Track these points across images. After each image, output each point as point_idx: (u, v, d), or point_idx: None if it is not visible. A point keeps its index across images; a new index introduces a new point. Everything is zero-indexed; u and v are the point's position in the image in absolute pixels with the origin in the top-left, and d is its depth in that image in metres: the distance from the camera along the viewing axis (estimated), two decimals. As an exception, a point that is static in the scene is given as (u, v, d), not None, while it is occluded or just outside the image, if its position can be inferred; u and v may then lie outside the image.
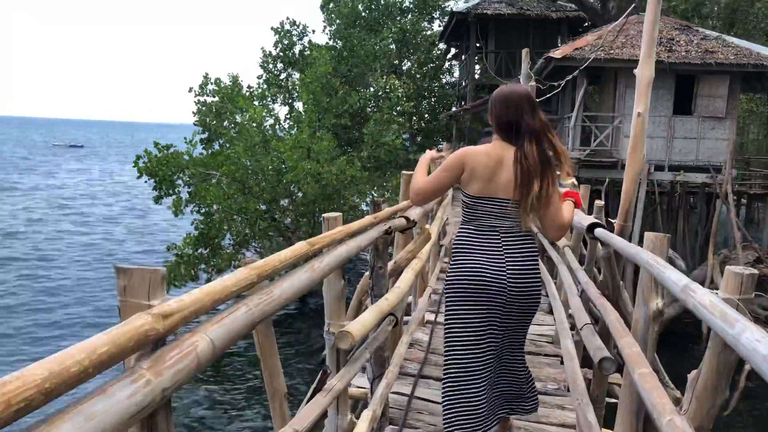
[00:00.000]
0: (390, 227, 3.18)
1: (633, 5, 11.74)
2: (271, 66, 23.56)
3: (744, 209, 22.92)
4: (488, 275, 2.62)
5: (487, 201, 2.65)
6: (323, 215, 2.62)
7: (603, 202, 4.20)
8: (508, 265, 2.64)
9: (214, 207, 15.29)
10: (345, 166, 15.12)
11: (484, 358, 2.67)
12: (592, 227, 3.48)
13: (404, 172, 4.19)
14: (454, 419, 2.66)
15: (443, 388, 2.72)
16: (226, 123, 18.16)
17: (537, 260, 2.75)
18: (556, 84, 11.77)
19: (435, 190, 2.74)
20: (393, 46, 22.49)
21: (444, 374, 2.74)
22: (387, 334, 3.20)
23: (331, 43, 21.78)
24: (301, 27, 22.38)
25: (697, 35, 15.52)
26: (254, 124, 16.94)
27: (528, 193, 2.57)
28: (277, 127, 17.89)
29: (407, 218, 3.58)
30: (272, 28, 22.78)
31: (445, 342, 2.74)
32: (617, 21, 16.12)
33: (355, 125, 19.51)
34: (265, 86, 21.77)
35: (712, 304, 1.53)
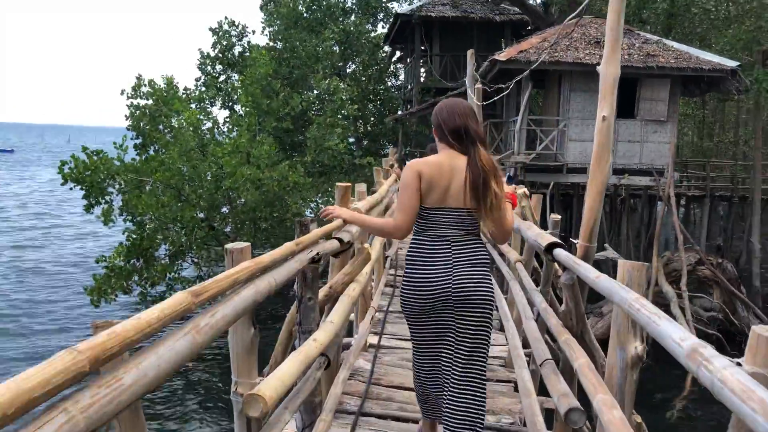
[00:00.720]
0: (317, 254, 2.67)
1: (583, 6, 11.67)
2: (209, 68, 22.68)
3: (682, 211, 23.45)
4: (434, 285, 2.64)
5: (442, 211, 2.66)
6: (226, 246, 2.10)
7: (559, 216, 3.80)
8: (454, 273, 2.64)
9: (147, 216, 14.42)
10: (287, 172, 14.50)
11: (438, 362, 2.76)
12: (551, 247, 3.05)
13: (339, 184, 3.69)
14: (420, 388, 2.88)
15: (414, 371, 2.91)
16: (161, 127, 17.25)
17: (487, 267, 2.74)
18: (503, 86, 11.50)
19: (410, 213, 2.68)
20: (336, 48, 21.96)
21: (413, 365, 2.90)
22: (316, 381, 2.68)
23: (271, 44, 21.06)
24: (240, 27, 21.61)
25: (638, 39, 15.60)
26: (190, 128, 16.14)
27: (485, 198, 2.59)
28: (216, 131, 17.11)
29: (340, 240, 3.08)
30: (210, 29, 21.91)
31: (412, 343, 2.87)
32: (562, 24, 16.08)
33: (298, 129, 18.87)
34: (204, 89, 20.90)
35: (745, 390, 1.08)
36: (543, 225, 4.80)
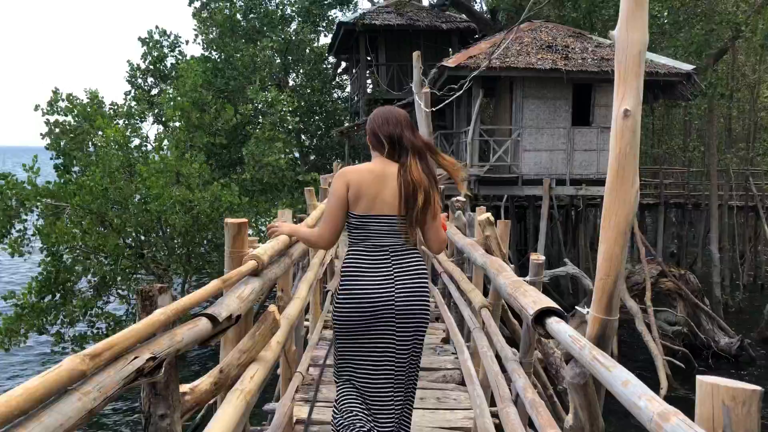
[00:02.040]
0: (154, 359, 1.51)
1: (528, 8, 10.83)
2: (140, 80, 21.14)
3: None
4: (376, 297, 2.57)
5: (374, 219, 2.61)
6: None
7: (543, 257, 2.74)
8: (396, 284, 2.59)
9: (65, 246, 12.85)
10: (219, 192, 13.16)
11: (384, 382, 2.61)
12: (542, 316, 1.97)
13: (228, 220, 2.56)
14: None
15: (337, 413, 2.69)
16: (87, 146, 15.71)
17: (426, 278, 2.71)
18: (453, 90, 10.53)
19: (333, 224, 2.64)
20: (276, 58, 20.75)
21: (336, 404, 2.71)
22: None
23: (206, 54, 19.68)
24: (172, 37, 20.15)
25: (591, 42, 14.96)
26: (115, 146, 14.67)
27: (413, 206, 2.57)
28: (144, 148, 15.63)
29: (212, 317, 1.92)
30: (139, 39, 20.38)
31: (337, 375, 2.73)
32: (511, 26, 15.30)
33: (235, 145, 17.55)
34: (134, 103, 19.32)
35: None
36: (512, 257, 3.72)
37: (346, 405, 2.64)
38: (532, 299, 2.08)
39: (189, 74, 14.97)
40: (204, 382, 2.35)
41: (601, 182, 14.77)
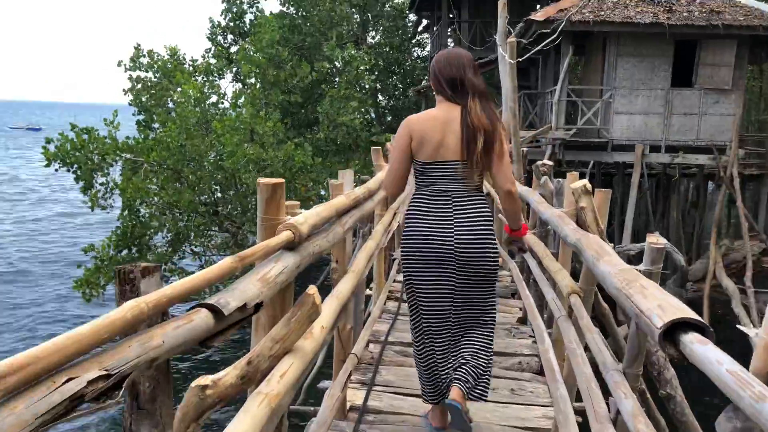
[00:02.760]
0: (108, 377, 1.04)
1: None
2: (220, 38, 21.08)
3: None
4: (436, 241, 2.61)
5: (438, 165, 2.61)
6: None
7: (664, 240, 2.10)
8: (456, 229, 2.61)
9: (141, 201, 12.99)
10: (293, 152, 12.85)
11: (442, 322, 2.70)
12: (674, 329, 1.37)
13: (261, 180, 2.07)
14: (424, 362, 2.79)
15: (414, 345, 2.87)
16: (168, 102, 15.82)
17: (490, 223, 2.69)
18: (540, 45, 9.66)
19: (397, 175, 2.69)
20: (356, 15, 20.12)
21: (413, 337, 2.87)
22: None
23: (284, 9, 19.28)
24: (251, -8, 19.87)
25: (698, -7, 13.45)
26: (192, 102, 14.64)
27: (474, 149, 2.53)
28: (223, 106, 15.53)
29: (215, 308, 1.44)
30: (220, -4, 20.24)
31: (409, 308, 2.84)
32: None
33: (312, 104, 17.19)
34: (213, 59, 19.26)
35: None
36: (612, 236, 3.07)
37: (421, 336, 2.80)
38: (657, 303, 1.48)
39: (266, 29, 14.62)
40: (229, 374, 1.89)
41: (701, 150, 13.48)
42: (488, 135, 2.50)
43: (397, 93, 23.04)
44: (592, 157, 14.10)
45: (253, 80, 14.08)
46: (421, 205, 2.64)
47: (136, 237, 12.84)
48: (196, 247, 13.69)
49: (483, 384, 2.72)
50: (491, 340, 2.78)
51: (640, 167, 13.65)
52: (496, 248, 2.71)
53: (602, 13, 12.67)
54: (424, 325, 2.75)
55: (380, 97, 22.56)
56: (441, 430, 2.93)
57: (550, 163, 4.62)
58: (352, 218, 3.08)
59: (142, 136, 14.64)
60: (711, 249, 13.48)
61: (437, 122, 2.56)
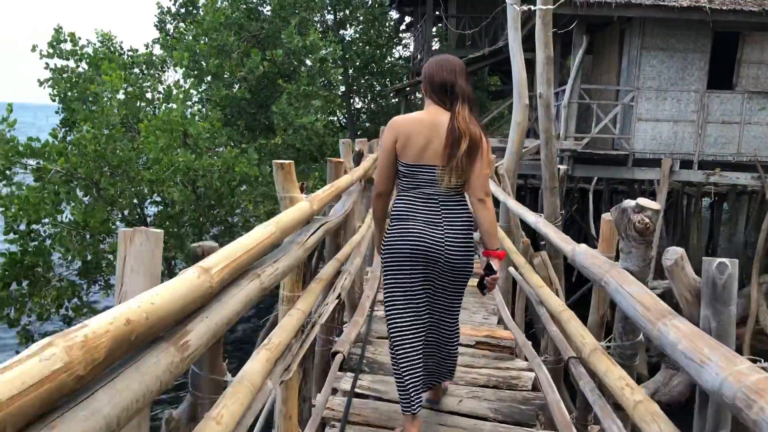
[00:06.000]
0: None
1: None
2: (169, 26, 18.25)
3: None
4: (428, 242, 2.62)
5: (423, 168, 2.63)
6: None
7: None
8: (446, 233, 2.64)
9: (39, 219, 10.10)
10: (233, 160, 10.05)
11: (421, 319, 2.74)
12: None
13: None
14: (406, 376, 2.71)
15: (391, 350, 2.79)
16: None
17: (472, 229, 2.74)
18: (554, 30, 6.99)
19: (384, 173, 2.70)
20: (327, 3, 17.44)
21: (390, 338, 2.80)
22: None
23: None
24: (206, -26, 17.06)
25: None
26: (119, 97, 11.87)
27: (457, 152, 2.55)
28: (155, 103, 12.69)
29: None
30: (169, -23, 17.42)
31: (386, 307, 2.79)
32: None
33: (271, 102, 14.42)
34: (161, 50, 16.39)
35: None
36: None
37: (399, 335, 2.75)
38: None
39: (208, 9, 11.84)
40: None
41: (742, 167, 10.94)
42: (473, 141, 2.53)
43: (373, 94, 20.35)
44: (609, 174, 11.50)
45: (183, 69, 11.25)
46: (410, 206, 2.64)
47: (29, 267, 9.93)
48: (106, 279, 10.77)
49: (451, 369, 3.01)
50: (458, 338, 2.93)
51: (667, 186, 11.06)
52: (474, 255, 2.74)
53: (626, -7, 10.08)
54: (401, 322, 2.71)
55: (355, 99, 19.86)
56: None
57: (657, 206, 1.99)
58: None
59: (51, 137, 11.76)
60: (752, 287, 10.94)
61: (423, 125, 2.59)
